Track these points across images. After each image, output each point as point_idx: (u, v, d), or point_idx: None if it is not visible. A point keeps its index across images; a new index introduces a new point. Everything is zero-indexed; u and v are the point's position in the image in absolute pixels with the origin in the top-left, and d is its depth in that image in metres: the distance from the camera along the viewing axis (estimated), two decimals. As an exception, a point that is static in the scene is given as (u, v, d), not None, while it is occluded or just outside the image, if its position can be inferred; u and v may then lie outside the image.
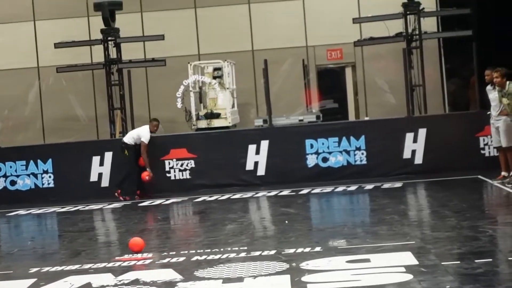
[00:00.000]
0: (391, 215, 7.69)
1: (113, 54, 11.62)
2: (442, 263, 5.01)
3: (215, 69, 11.52)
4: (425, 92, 11.34)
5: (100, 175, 10.34)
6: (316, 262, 5.55)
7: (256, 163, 10.40)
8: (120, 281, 5.43)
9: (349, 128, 11.00)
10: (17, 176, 10.65)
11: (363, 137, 10.44)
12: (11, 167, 10.57)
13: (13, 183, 10.67)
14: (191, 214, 9.76)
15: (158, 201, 9.82)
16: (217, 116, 11.16)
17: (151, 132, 10.00)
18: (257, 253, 6.22)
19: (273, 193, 10.03)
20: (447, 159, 10.10)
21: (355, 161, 10.46)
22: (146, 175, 9.62)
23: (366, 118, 12.31)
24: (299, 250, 6.17)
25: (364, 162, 10.41)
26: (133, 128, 10.47)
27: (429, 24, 12.27)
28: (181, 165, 10.25)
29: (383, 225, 7.13)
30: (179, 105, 11.01)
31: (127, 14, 12.46)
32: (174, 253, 6.35)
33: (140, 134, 9.71)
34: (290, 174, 10.51)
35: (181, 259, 6.18)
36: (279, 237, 7.29)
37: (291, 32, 13.27)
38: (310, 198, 9.84)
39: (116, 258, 6.37)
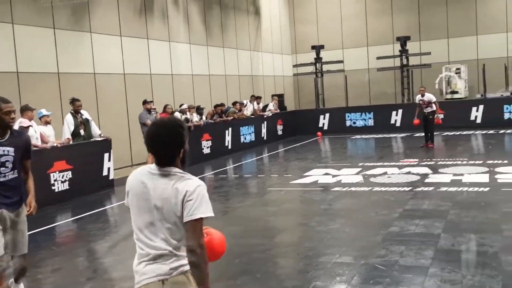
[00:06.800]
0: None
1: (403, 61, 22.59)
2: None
3: (457, 69, 22.14)
4: None
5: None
6: (506, 169, 10.45)
7: (476, 117, 19.75)
8: (401, 171, 10.98)
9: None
10: None
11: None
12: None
13: None
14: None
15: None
16: (456, 92, 21.87)
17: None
18: (471, 162, 11.61)
19: (488, 131, 18.20)
20: None
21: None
22: None
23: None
24: (496, 161, 11.39)
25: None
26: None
27: None
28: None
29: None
30: (436, 86, 21.93)
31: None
32: (429, 159, 12.57)
33: None
34: (490, 123, 18.99)
35: (432, 163, 12.00)
36: (485, 155, 13.02)
37: (498, 49, 23.11)
38: (505, 135, 17.00)
39: (400, 160, 12.86)
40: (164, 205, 2.64)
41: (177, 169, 2.69)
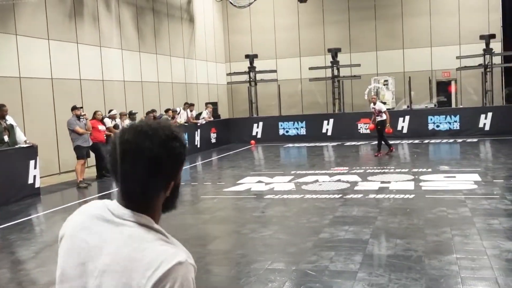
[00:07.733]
0: (469, 154, 14.65)
1: (334, 72, 23.25)
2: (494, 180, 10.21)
3: (384, 80, 23.02)
4: (492, 94, 21.77)
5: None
6: (429, 177, 10.97)
7: (403, 127, 21.19)
8: (332, 179, 11.27)
9: (451, 111, 20.86)
10: None
11: (458, 115, 20.34)
12: None
13: None
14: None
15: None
16: (384, 103, 22.63)
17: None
18: (398, 170, 12.21)
19: (413, 140, 19.77)
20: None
21: (454, 127, 20.31)
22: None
23: (461, 106, 22.72)
24: (420, 170, 12.08)
25: (458, 128, 20.36)
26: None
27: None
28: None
29: (465, 159, 13.80)
30: (365, 97, 22.68)
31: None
32: (358, 167, 13.06)
33: None
34: (416, 133, 19.82)
35: (361, 171, 12.47)
36: (411, 163, 13.67)
37: (423, 63, 24.33)
38: (429, 145, 18.03)
39: (331, 168, 13.14)
40: (113, 277, 1.40)
41: (150, 220, 1.47)
